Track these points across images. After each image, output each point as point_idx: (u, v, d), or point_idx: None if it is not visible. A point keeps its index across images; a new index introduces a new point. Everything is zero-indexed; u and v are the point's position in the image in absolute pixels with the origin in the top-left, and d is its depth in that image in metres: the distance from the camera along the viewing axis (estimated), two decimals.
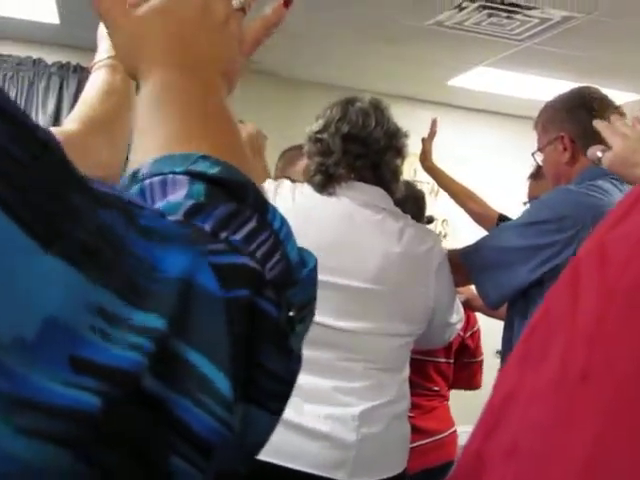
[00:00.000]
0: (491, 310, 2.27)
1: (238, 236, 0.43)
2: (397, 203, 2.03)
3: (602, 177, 2.02)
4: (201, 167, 0.47)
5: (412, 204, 2.21)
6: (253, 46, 0.67)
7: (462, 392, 3.04)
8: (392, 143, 1.98)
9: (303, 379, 1.87)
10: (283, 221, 0.47)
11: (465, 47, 4.94)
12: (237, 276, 0.40)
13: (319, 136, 1.99)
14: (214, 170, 0.46)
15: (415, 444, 2.21)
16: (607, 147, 1.66)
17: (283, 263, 0.44)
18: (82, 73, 5.59)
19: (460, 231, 5.95)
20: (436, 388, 2.74)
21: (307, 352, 1.74)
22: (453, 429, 2.76)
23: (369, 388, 1.89)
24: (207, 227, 0.43)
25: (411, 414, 2.08)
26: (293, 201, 1.92)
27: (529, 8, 4.12)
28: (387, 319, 1.92)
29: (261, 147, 2.23)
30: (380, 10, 4.36)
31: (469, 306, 2.76)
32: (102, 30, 1.19)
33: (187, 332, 0.36)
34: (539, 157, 2.29)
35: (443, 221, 6.23)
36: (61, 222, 0.32)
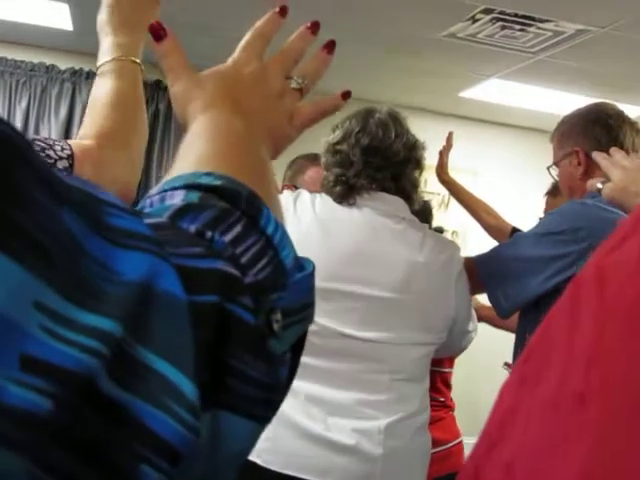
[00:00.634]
0: (502, 319, 2.27)
1: (226, 238, 0.43)
2: (413, 214, 2.04)
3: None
4: (202, 181, 0.48)
5: (419, 215, 2.22)
6: (306, 122, 0.72)
7: (465, 404, 3.03)
8: (411, 155, 1.99)
9: (327, 392, 1.87)
10: (278, 227, 0.47)
11: (478, 59, 4.94)
12: (206, 281, 0.39)
13: (338, 147, 1.99)
14: (214, 182, 0.47)
15: None
16: (607, 179, 1.68)
17: (273, 267, 0.45)
18: (94, 79, 5.61)
19: (470, 243, 5.94)
20: (442, 399, 2.75)
21: (331, 364, 1.75)
22: (459, 439, 2.77)
23: (394, 400, 1.89)
24: (193, 228, 0.43)
25: None
26: (314, 212, 1.91)
27: (543, 21, 4.11)
28: (410, 329, 1.92)
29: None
30: (393, 22, 4.36)
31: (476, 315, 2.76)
32: (101, 22, 1.18)
33: (146, 336, 0.34)
34: (554, 171, 2.31)
35: (453, 233, 6.22)
36: (14, 219, 0.31)
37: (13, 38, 5.49)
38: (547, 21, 4.11)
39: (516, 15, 4.07)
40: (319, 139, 2.07)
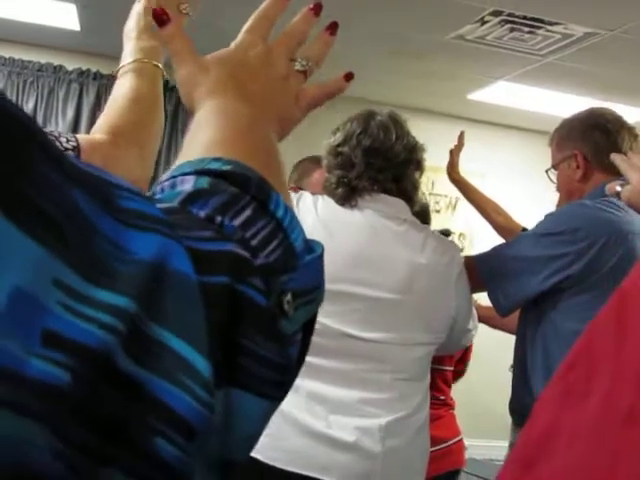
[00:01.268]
0: (501, 317, 2.29)
1: (235, 222, 0.44)
2: (413, 215, 2.06)
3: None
4: (211, 166, 0.48)
5: (417, 216, 2.23)
6: (311, 105, 0.72)
7: (464, 405, 3.03)
8: (412, 156, 2.01)
9: (330, 391, 1.90)
10: (287, 210, 0.48)
11: (486, 61, 4.93)
12: (217, 262, 0.40)
13: (340, 149, 2.01)
14: (224, 167, 0.48)
15: None
16: (625, 181, 1.69)
17: (283, 249, 0.45)
18: (102, 80, 5.62)
19: (477, 245, 5.93)
20: (442, 397, 2.77)
21: (333, 363, 1.76)
22: (459, 437, 2.78)
23: (395, 399, 1.91)
24: (203, 213, 0.43)
25: None
26: (317, 214, 1.94)
27: (551, 24, 4.10)
28: (412, 329, 1.95)
29: None
30: (401, 23, 4.36)
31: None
32: (128, 29, 1.20)
33: (159, 314, 0.35)
34: (553, 174, 2.34)
35: (460, 235, 6.21)
36: (27, 194, 0.32)
37: (20, 38, 5.50)
38: (556, 24, 4.10)
39: (525, 17, 4.06)
40: (322, 143, 2.09)
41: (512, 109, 6.07)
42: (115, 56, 1.23)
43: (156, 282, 0.36)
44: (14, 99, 5.47)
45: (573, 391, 0.42)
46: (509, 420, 2.39)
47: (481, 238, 6.03)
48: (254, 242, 0.44)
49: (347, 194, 1.97)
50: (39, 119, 5.54)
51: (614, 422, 0.37)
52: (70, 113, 5.61)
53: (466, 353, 2.93)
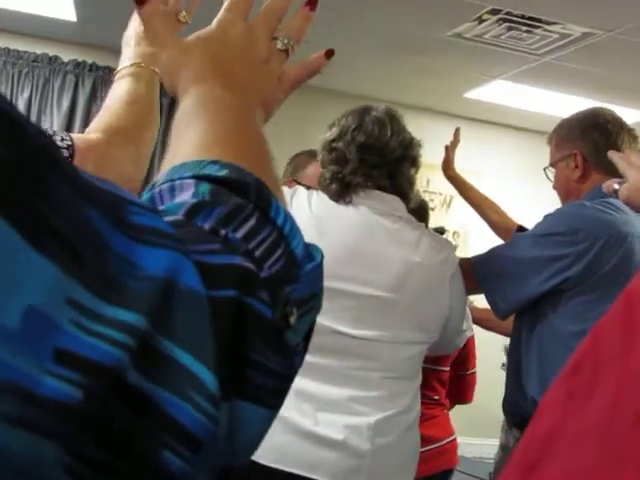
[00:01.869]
0: (500, 320, 2.28)
1: (238, 234, 0.44)
2: (410, 212, 2.04)
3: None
4: (209, 170, 0.48)
5: (415, 213, 2.22)
6: (293, 84, 0.71)
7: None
8: (407, 153, 1.99)
9: (318, 388, 1.88)
10: (287, 217, 0.48)
11: (483, 60, 4.93)
12: (224, 276, 0.40)
13: (334, 145, 1.99)
14: (221, 172, 0.48)
15: None
16: (623, 180, 1.68)
17: (285, 259, 0.45)
18: (98, 72, 5.60)
19: (471, 243, 5.94)
20: (436, 397, 2.77)
21: (323, 360, 1.75)
22: (453, 437, 2.78)
23: (385, 398, 1.90)
24: (207, 225, 0.43)
25: None
26: (310, 210, 1.92)
27: (549, 23, 4.10)
28: (404, 328, 1.93)
29: None
30: (398, 21, 4.35)
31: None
32: (127, 36, 1.20)
33: (170, 329, 0.36)
34: (551, 172, 2.33)
35: (454, 233, 6.22)
36: (42, 213, 0.32)
37: (16, 28, 5.48)
38: (554, 23, 4.10)
39: (523, 17, 4.06)
40: (317, 138, 2.08)
41: (509, 108, 6.07)
42: (112, 48, 1.22)
43: (166, 298, 0.36)
44: (9, 90, 5.45)
45: (578, 393, 0.42)
46: (500, 418, 2.39)
47: (475, 236, 6.04)
48: (258, 253, 0.44)
49: (341, 190, 1.95)
50: (34, 110, 5.52)
51: (622, 424, 0.37)
52: (65, 104, 5.58)
53: (467, 357, 2.92)
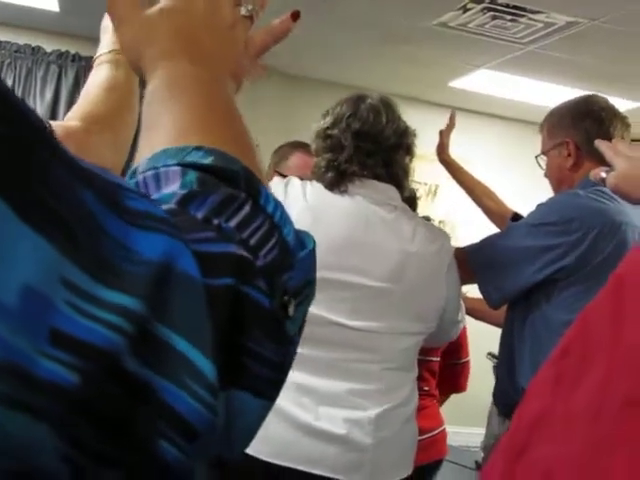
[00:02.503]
0: (493, 309, 2.27)
1: (232, 223, 0.43)
2: (404, 201, 2.04)
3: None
4: (194, 157, 0.47)
5: (406, 202, 2.22)
6: (260, 51, 0.69)
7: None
8: (402, 141, 1.98)
9: (318, 382, 1.87)
10: (277, 204, 0.47)
11: (468, 49, 4.93)
12: (221, 264, 0.39)
13: (329, 132, 1.98)
14: (207, 160, 0.47)
15: None
16: (610, 168, 1.68)
17: (279, 247, 0.45)
18: (81, 62, 5.56)
19: (457, 233, 5.94)
20: (426, 388, 2.77)
21: (321, 353, 1.75)
22: (443, 427, 2.79)
23: (383, 390, 1.90)
24: (200, 215, 0.43)
25: None
26: (305, 200, 1.90)
27: (534, 12, 4.10)
28: (401, 318, 1.93)
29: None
30: (383, 10, 4.34)
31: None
32: (105, 23, 1.19)
33: (167, 315, 0.35)
34: (542, 160, 2.31)
35: (440, 222, 6.22)
36: (39, 193, 0.32)
37: None
38: (538, 12, 4.10)
39: (507, 5, 4.06)
40: (309, 127, 2.06)
41: (493, 97, 6.07)
42: (95, 38, 1.21)
43: (163, 283, 0.36)
44: None
45: (566, 377, 0.42)
46: (486, 407, 2.40)
47: (462, 225, 6.05)
48: (252, 242, 0.43)
49: (336, 178, 1.93)
50: None
51: (611, 407, 0.37)
52: (48, 95, 5.55)
53: (460, 346, 2.92)
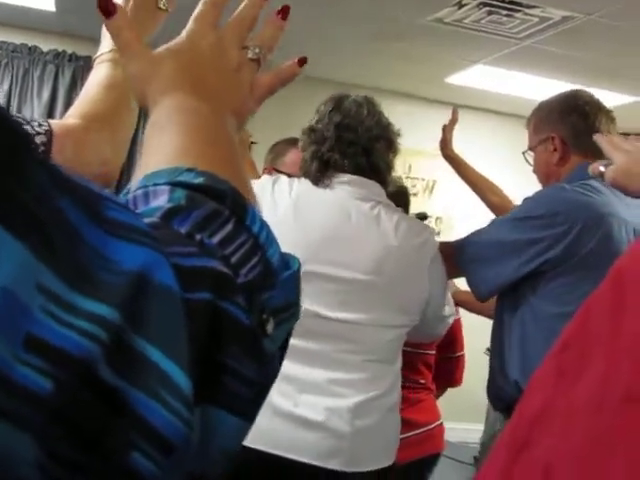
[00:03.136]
0: (480, 302, 2.29)
1: (214, 239, 0.43)
2: (390, 198, 2.08)
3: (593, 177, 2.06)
4: (184, 178, 0.47)
5: (397, 200, 2.24)
6: (266, 93, 0.70)
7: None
8: (383, 133, 2.03)
9: (300, 370, 1.90)
10: (263, 225, 0.47)
11: (464, 45, 4.93)
12: (200, 279, 0.39)
13: (313, 127, 2.05)
14: (197, 180, 0.47)
15: (404, 436, 2.23)
16: (608, 162, 1.69)
17: (262, 266, 0.45)
18: (78, 62, 5.56)
19: (454, 229, 5.94)
20: (422, 381, 2.78)
21: (305, 343, 1.77)
22: (440, 421, 2.79)
23: (365, 380, 1.93)
24: (183, 229, 0.43)
25: (400, 406, 2.10)
26: (290, 196, 1.95)
27: (529, 7, 4.10)
28: (384, 310, 1.96)
29: (247, 142, 2.38)
30: (379, 6, 4.34)
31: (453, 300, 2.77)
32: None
33: (142, 326, 0.35)
34: (530, 156, 2.34)
35: (437, 219, 6.23)
36: (16, 196, 0.32)
37: None
38: (534, 7, 4.10)
39: (503, 0, 4.06)
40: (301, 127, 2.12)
41: (490, 93, 6.07)
42: (91, 37, 1.22)
43: (140, 294, 0.35)
44: None
45: (568, 370, 0.42)
46: (485, 403, 2.40)
47: (459, 221, 6.04)
48: (234, 259, 0.43)
49: (320, 168, 1.99)
50: (14, 101, 5.48)
51: (611, 401, 0.37)
52: (46, 95, 5.55)
53: (455, 340, 2.93)
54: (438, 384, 2.92)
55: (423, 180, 6.27)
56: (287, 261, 0.48)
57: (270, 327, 0.44)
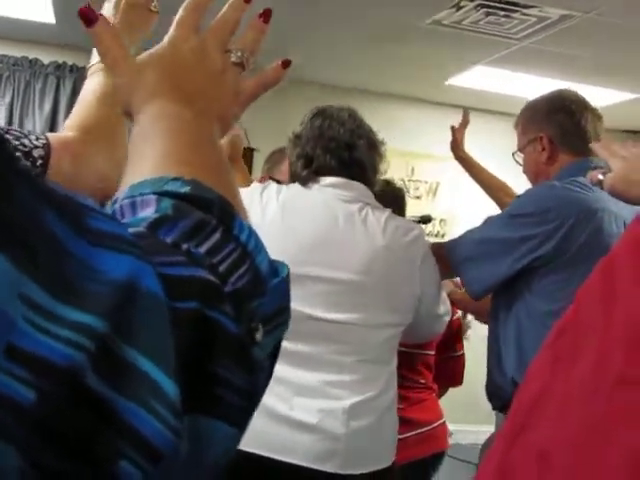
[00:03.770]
0: (474, 300, 2.31)
1: (202, 248, 0.43)
2: (385, 200, 2.12)
3: (582, 174, 2.07)
4: (171, 187, 0.47)
5: (392, 203, 2.25)
6: (249, 99, 0.70)
7: (450, 390, 3.04)
8: (364, 133, 2.07)
9: (293, 373, 1.91)
10: (251, 233, 0.47)
11: (463, 46, 4.93)
12: (187, 287, 0.39)
13: (297, 133, 2.10)
14: (183, 189, 0.47)
15: (406, 435, 2.23)
16: (606, 169, 1.71)
17: (250, 274, 0.45)
18: (78, 73, 5.57)
19: (458, 230, 5.94)
20: (423, 381, 2.78)
21: (297, 346, 1.78)
22: (442, 420, 2.79)
23: (359, 381, 1.93)
24: (169, 239, 0.43)
25: (400, 406, 2.11)
26: (277, 201, 1.97)
27: (527, 7, 4.11)
28: (375, 310, 1.97)
29: (240, 149, 2.42)
30: (377, 9, 4.34)
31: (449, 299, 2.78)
32: None
33: (129, 334, 0.35)
34: (520, 158, 2.37)
35: (441, 221, 6.22)
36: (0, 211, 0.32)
37: None
38: (531, 7, 4.10)
39: (500, 1, 4.07)
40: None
41: (489, 93, 6.07)
42: (92, 48, 1.22)
43: (127, 302, 0.35)
44: None
45: (562, 357, 0.42)
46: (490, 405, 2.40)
47: (462, 223, 6.04)
48: (222, 268, 0.43)
49: (305, 164, 2.03)
50: (16, 114, 5.49)
51: (605, 385, 0.38)
52: (47, 107, 5.56)
53: (455, 339, 2.93)
54: (439, 384, 2.92)
55: (426, 183, 6.26)
56: (276, 268, 0.48)
57: (259, 335, 0.44)
